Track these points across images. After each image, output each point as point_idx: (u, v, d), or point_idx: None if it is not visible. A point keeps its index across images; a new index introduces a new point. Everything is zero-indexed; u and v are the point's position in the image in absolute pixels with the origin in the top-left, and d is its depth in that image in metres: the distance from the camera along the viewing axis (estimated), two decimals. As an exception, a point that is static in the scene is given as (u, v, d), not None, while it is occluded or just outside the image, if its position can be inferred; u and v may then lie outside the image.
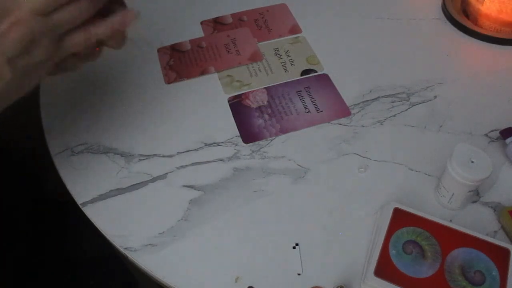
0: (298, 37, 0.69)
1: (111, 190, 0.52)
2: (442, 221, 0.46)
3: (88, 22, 0.41)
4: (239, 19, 0.72)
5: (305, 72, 0.64)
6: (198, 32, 0.70)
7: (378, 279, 0.42)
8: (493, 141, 0.56)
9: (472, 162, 0.46)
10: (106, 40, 0.45)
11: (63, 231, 0.84)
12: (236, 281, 0.45)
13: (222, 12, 0.73)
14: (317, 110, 0.59)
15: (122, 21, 0.43)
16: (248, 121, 0.59)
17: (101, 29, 0.42)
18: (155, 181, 0.53)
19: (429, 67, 0.64)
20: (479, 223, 0.49)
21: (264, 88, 0.62)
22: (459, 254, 0.44)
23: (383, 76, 0.63)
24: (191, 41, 0.68)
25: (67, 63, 0.45)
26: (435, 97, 0.61)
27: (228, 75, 0.64)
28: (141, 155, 0.56)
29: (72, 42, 0.41)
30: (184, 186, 0.53)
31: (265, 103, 0.61)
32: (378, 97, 0.61)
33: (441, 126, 0.57)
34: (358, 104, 0.60)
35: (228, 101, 0.61)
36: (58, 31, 0.39)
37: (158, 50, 0.67)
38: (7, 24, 0.36)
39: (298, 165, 0.54)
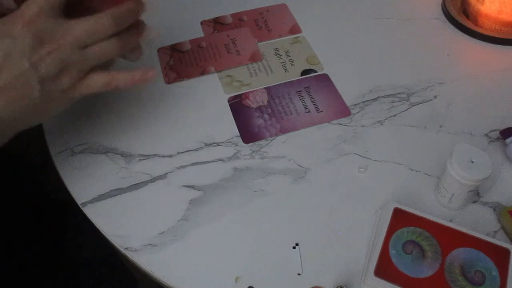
0: (298, 37, 0.69)
1: (111, 190, 0.52)
2: (442, 221, 0.46)
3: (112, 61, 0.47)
4: (239, 19, 0.72)
5: (305, 72, 0.64)
6: (198, 32, 0.70)
7: (378, 279, 0.42)
8: (493, 141, 0.56)
9: (472, 162, 0.46)
10: (125, 54, 0.48)
11: (63, 231, 0.84)
12: (236, 281, 0.45)
13: (222, 12, 0.73)
14: (317, 110, 0.59)
15: (143, 78, 0.47)
16: (248, 121, 0.59)
17: (121, 78, 0.46)
18: (155, 181, 0.53)
19: (429, 67, 0.64)
20: (479, 223, 0.49)
21: (264, 88, 0.62)
22: (459, 254, 0.44)
23: (383, 76, 0.63)
24: (191, 41, 0.68)
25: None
26: (435, 97, 0.61)
27: (228, 75, 0.64)
28: (141, 155, 0.56)
29: (94, 81, 0.44)
30: (184, 186, 0.53)
31: (265, 103, 0.61)
32: (378, 97, 0.61)
33: (441, 126, 0.57)
34: (358, 104, 0.60)
35: (228, 101, 0.61)
36: (88, 64, 0.43)
37: (158, 50, 0.67)
38: (48, 49, 0.40)
39: (298, 165, 0.54)
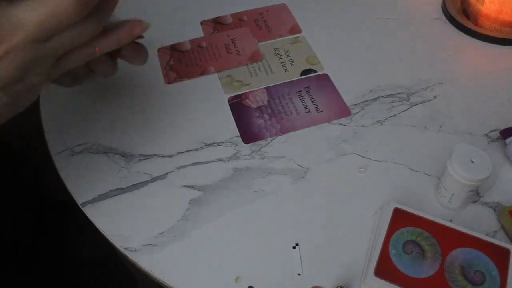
0: (298, 37, 0.69)
1: (111, 190, 0.52)
2: (442, 221, 0.46)
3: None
4: (239, 19, 0.72)
5: (305, 72, 0.64)
6: (198, 32, 0.70)
7: (378, 279, 0.42)
8: (493, 141, 0.56)
9: (472, 162, 0.46)
10: (129, 58, 0.43)
11: (63, 231, 0.84)
12: (236, 281, 0.45)
13: (222, 12, 0.73)
14: (317, 110, 0.59)
15: (129, 32, 0.40)
16: (248, 121, 0.59)
17: (105, 42, 0.39)
18: (155, 181, 0.53)
19: (429, 67, 0.64)
20: (479, 223, 0.49)
21: (264, 88, 0.62)
22: (459, 254, 0.44)
23: (383, 76, 0.63)
24: (191, 41, 0.68)
25: (80, 75, 0.43)
26: (435, 97, 0.61)
27: (228, 75, 0.64)
28: (141, 155, 0.56)
29: (72, 58, 0.38)
30: (184, 186, 0.53)
31: (265, 103, 0.61)
32: (378, 97, 0.61)
33: (441, 126, 0.57)
34: (358, 104, 0.60)
35: (228, 101, 0.61)
36: (56, 55, 0.37)
37: (158, 50, 0.67)
38: (1, 52, 0.33)
39: (298, 165, 0.54)
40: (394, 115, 0.59)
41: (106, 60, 0.43)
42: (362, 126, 0.58)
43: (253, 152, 0.55)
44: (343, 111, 0.59)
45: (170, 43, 0.68)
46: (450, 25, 0.70)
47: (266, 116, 0.59)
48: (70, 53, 0.38)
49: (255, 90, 0.62)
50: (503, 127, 0.55)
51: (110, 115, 0.60)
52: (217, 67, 0.65)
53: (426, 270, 0.43)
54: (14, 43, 0.33)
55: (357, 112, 0.59)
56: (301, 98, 0.61)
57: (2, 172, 0.75)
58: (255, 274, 0.46)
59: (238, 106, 0.60)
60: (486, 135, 0.56)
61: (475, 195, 0.51)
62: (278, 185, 0.52)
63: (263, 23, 0.71)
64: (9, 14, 0.33)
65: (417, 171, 0.53)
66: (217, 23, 0.72)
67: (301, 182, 0.53)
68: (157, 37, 0.68)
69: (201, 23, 0.72)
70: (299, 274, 0.46)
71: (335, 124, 0.58)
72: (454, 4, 0.72)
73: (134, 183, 0.53)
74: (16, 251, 0.74)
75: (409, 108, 0.60)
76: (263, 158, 0.55)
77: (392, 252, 0.44)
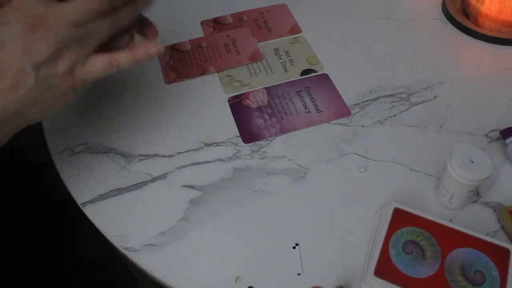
0: (298, 37, 0.69)
1: (111, 190, 0.52)
2: (442, 221, 0.46)
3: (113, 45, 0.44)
4: (239, 19, 0.72)
5: (305, 72, 0.64)
6: (198, 32, 0.70)
7: (378, 279, 0.42)
8: (493, 141, 0.56)
9: (472, 162, 0.46)
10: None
11: (63, 231, 0.84)
12: (236, 281, 0.45)
13: (222, 12, 0.73)
14: (317, 110, 0.59)
15: (145, 54, 0.44)
16: (248, 121, 0.59)
17: (124, 59, 0.43)
18: (155, 181, 0.53)
19: (429, 67, 0.64)
20: (479, 223, 0.49)
21: (264, 88, 0.62)
22: (459, 254, 0.44)
23: (383, 76, 0.63)
24: (191, 41, 0.68)
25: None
26: (435, 97, 0.61)
27: (228, 75, 0.64)
28: (141, 155, 0.56)
29: (95, 64, 0.42)
30: (184, 186, 0.53)
31: (265, 103, 0.61)
32: (378, 97, 0.61)
33: (441, 126, 0.57)
34: (358, 104, 0.60)
35: (228, 101, 0.61)
36: (85, 44, 0.40)
37: (158, 50, 0.67)
38: (41, 33, 0.37)
39: (298, 165, 0.54)
40: (394, 115, 0.59)
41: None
42: (362, 126, 0.58)
43: (253, 152, 0.55)
44: (343, 111, 0.59)
45: (170, 43, 0.68)
46: (450, 25, 0.70)
47: (266, 116, 0.59)
48: (95, 58, 0.41)
49: (255, 90, 0.62)
50: (503, 127, 0.55)
51: (110, 115, 0.60)
52: (217, 67, 0.65)
53: (426, 270, 0.43)
54: (54, 25, 0.37)
55: (357, 112, 0.59)
56: (301, 98, 0.61)
57: (2, 172, 0.75)
58: (255, 274, 0.46)
59: (238, 106, 0.60)
60: (486, 135, 0.56)
61: (475, 195, 0.51)
62: (278, 185, 0.52)
63: (263, 23, 0.71)
64: (53, 3, 0.38)
65: (417, 171, 0.53)
66: (217, 23, 0.72)
67: (301, 182, 0.53)
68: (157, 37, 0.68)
69: (201, 23, 0.72)
70: (299, 274, 0.46)
71: (335, 124, 0.58)
72: (454, 4, 0.72)
73: (134, 183, 0.53)
74: (16, 251, 0.74)
75: (409, 108, 0.60)
76: (263, 158, 0.55)
77: (392, 252, 0.44)
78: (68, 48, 0.39)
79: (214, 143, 0.56)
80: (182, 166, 0.54)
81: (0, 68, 0.37)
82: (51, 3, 0.38)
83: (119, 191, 0.52)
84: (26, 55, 0.37)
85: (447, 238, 0.45)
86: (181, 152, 0.56)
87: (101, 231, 0.49)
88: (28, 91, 0.38)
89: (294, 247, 0.47)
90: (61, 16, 0.38)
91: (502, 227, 0.48)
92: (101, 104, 0.61)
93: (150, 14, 0.47)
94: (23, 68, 0.37)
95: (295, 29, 0.70)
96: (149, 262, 0.47)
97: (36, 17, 0.37)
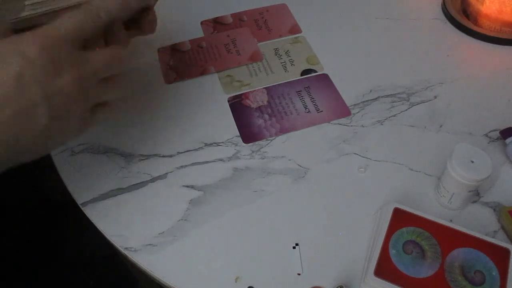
0: (298, 37, 0.69)
1: (111, 190, 0.52)
2: (442, 221, 0.46)
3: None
4: (239, 19, 0.72)
5: (305, 72, 0.64)
6: (198, 32, 0.70)
7: (378, 279, 0.42)
8: (493, 141, 0.56)
9: (472, 162, 0.46)
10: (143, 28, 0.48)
11: (63, 231, 0.84)
12: (236, 281, 0.45)
13: (222, 12, 0.73)
14: (317, 110, 0.59)
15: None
16: (248, 121, 0.59)
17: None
18: (155, 181, 0.53)
19: (429, 67, 0.64)
20: (479, 223, 0.49)
21: (264, 88, 0.62)
22: (459, 254, 0.44)
23: (383, 76, 0.63)
24: (191, 41, 0.68)
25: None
26: (435, 97, 0.61)
27: (228, 75, 0.64)
28: (141, 155, 0.56)
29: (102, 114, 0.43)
30: (184, 186, 0.53)
31: (265, 103, 0.61)
32: (378, 97, 0.61)
33: (441, 126, 0.57)
34: (358, 104, 0.60)
35: (228, 101, 0.61)
36: (103, 97, 0.41)
37: (158, 50, 0.67)
38: (66, 79, 0.35)
39: (298, 165, 0.54)
40: (394, 115, 0.59)
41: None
42: (362, 126, 0.58)
43: (253, 152, 0.55)
44: (343, 111, 0.59)
45: (170, 43, 0.68)
46: (450, 25, 0.70)
47: (266, 116, 0.59)
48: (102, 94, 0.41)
49: (255, 90, 0.62)
50: (503, 127, 0.55)
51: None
52: (217, 67, 0.65)
53: (426, 270, 0.43)
54: (81, 74, 0.37)
55: (357, 112, 0.59)
56: (301, 98, 0.61)
57: (2, 172, 0.75)
58: (255, 274, 0.46)
59: (238, 106, 0.60)
60: (486, 135, 0.56)
61: (475, 195, 0.51)
62: (278, 185, 0.52)
63: (263, 23, 0.71)
64: (82, 52, 0.38)
65: (417, 171, 0.53)
66: (217, 23, 0.72)
67: (301, 182, 0.53)
68: (157, 37, 0.68)
69: (201, 23, 0.72)
70: (299, 274, 0.46)
71: (335, 124, 0.58)
72: (454, 4, 0.72)
73: (134, 183, 0.53)
74: (16, 251, 0.74)
75: (409, 108, 0.60)
76: (263, 158, 0.55)
77: (392, 252, 0.44)
78: (87, 98, 0.39)
79: (214, 143, 0.56)
80: (182, 166, 0.54)
81: (15, 110, 0.34)
82: (81, 51, 0.37)
83: (119, 191, 0.52)
84: (46, 102, 0.35)
85: (447, 238, 0.45)
86: (181, 152, 0.56)
87: (101, 231, 0.49)
88: (38, 138, 0.36)
89: (294, 247, 0.47)
90: (89, 66, 0.37)
91: (502, 227, 0.48)
92: (101, 104, 0.61)
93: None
94: (37, 115, 0.35)
95: (295, 29, 0.70)
96: (149, 262, 0.47)
97: (64, 60, 0.36)
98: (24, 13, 0.45)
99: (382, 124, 0.58)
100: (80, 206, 0.51)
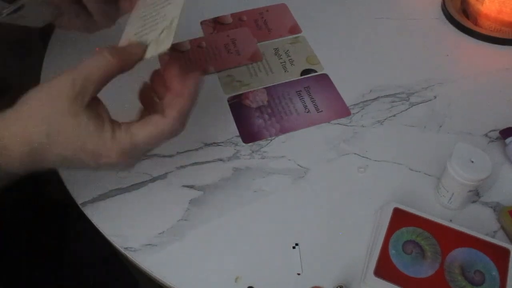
0: (298, 37, 0.69)
1: (111, 190, 0.52)
2: (442, 221, 0.46)
3: None
4: (239, 19, 0.72)
5: (305, 72, 0.64)
6: (198, 32, 0.70)
7: (378, 279, 0.42)
8: (493, 141, 0.56)
9: (472, 162, 0.46)
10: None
11: (63, 232, 0.84)
12: (236, 281, 0.45)
13: (222, 12, 0.73)
14: (317, 110, 0.59)
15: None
16: (248, 121, 0.59)
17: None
18: (155, 181, 0.53)
19: (429, 67, 0.64)
20: (479, 223, 0.49)
21: (264, 88, 0.62)
22: (459, 254, 0.44)
23: (383, 76, 0.63)
24: (191, 41, 0.68)
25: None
26: (435, 97, 0.61)
27: (228, 75, 0.64)
28: (141, 155, 0.55)
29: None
30: (184, 186, 0.53)
31: (265, 103, 0.61)
32: (378, 97, 0.61)
33: (441, 126, 0.57)
34: (358, 104, 0.60)
35: (228, 101, 0.61)
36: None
37: (158, 50, 0.67)
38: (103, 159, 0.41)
39: (298, 165, 0.54)
40: (394, 115, 0.59)
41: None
42: (362, 126, 0.58)
43: (253, 152, 0.55)
44: (343, 111, 0.59)
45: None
46: (450, 25, 0.70)
47: (266, 116, 0.59)
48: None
49: (255, 90, 0.62)
50: (503, 127, 0.55)
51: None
52: (217, 67, 0.65)
53: (426, 270, 0.43)
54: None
55: (357, 112, 0.59)
56: (301, 98, 0.61)
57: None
58: (255, 274, 0.46)
59: (238, 106, 0.60)
60: (486, 135, 0.56)
61: (475, 195, 0.51)
62: (278, 185, 0.52)
63: (263, 23, 0.71)
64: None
65: (417, 171, 0.53)
66: (217, 23, 0.72)
67: (301, 182, 0.53)
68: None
69: (201, 23, 0.72)
70: (299, 274, 0.46)
71: (335, 124, 0.58)
72: (454, 4, 0.72)
73: (134, 183, 0.53)
74: (16, 251, 0.74)
75: (409, 108, 0.60)
76: (263, 158, 0.55)
77: (392, 252, 0.44)
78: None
79: (214, 143, 0.56)
80: (182, 166, 0.54)
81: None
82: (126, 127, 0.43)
83: (119, 191, 0.52)
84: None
85: (447, 238, 0.45)
86: (181, 152, 0.56)
87: (101, 231, 0.49)
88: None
89: (294, 247, 0.47)
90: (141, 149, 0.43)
91: (502, 227, 0.48)
92: (101, 104, 0.61)
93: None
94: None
95: (295, 29, 0.70)
96: (149, 262, 0.47)
97: (106, 145, 0.41)
98: None
99: (382, 124, 0.58)
100: (80, 206, 0.51)
